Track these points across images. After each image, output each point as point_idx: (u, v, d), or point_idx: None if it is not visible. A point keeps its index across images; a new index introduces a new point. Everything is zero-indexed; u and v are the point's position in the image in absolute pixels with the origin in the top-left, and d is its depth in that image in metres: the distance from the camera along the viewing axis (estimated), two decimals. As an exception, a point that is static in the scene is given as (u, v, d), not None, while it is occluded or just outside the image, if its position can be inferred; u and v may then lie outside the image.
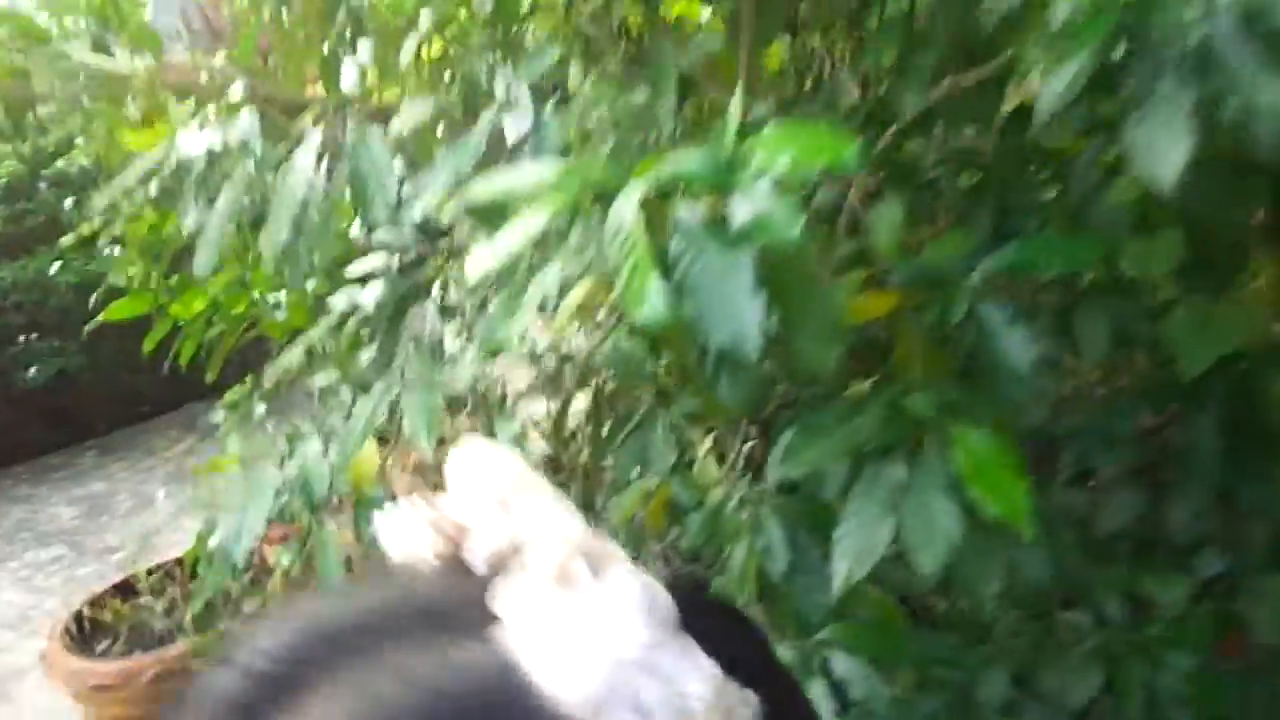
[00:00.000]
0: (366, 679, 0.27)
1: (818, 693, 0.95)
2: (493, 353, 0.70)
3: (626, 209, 0.56)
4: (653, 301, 0.53)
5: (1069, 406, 1.28)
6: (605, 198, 0.58)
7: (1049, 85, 0.76)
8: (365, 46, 0.91)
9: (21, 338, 4.05)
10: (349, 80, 0.87)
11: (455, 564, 0.31)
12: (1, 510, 3.97)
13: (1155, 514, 1.25)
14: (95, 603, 2.35)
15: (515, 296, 0.58)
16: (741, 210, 0.62)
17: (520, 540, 0.30)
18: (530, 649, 0.26)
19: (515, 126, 0.80)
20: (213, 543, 0.95)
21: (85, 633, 2.34)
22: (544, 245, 0.58)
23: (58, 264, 3.52)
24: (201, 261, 1.00)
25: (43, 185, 3.91)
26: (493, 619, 0.27)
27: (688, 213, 0.60)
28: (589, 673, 0.25)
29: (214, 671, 0.29)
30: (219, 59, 1.41)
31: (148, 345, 1.87)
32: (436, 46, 1.02)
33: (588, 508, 1.19)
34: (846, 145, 0.62)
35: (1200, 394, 1.17)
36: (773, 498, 0.93)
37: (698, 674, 0.26)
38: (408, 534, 0.32)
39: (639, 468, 1.21)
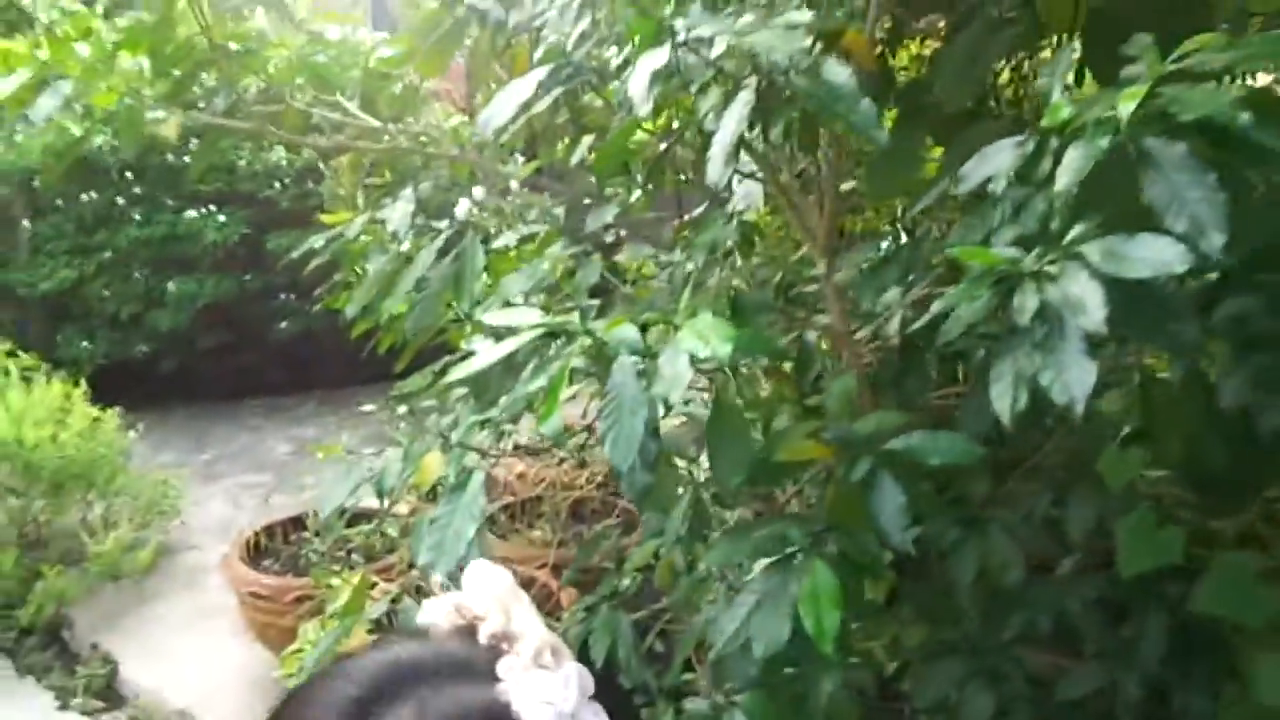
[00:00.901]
0: (422, 701, 0.47)
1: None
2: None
3: (565, 353, 0.86)
4: (552, 422, 0.82)
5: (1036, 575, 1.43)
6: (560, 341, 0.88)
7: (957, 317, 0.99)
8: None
9: (281, 295, 4.82)
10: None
11: (469, 634, 0.52)
12: (232, 434, 4.72)
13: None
14: (270, 528, 2.87)
15: (483, 400, 0.88)
16: (663, 371, 0.90)
17: (512, 631, 0.56)
18: (517, 698, 0.49)
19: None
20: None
21: (261, 549, 2.86)
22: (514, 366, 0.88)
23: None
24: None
25: (327, 173, 4.65)
26: (494, 674, 0.49)
27: (619, 369, 0.88)
28: (545, 716, 0.48)
29: (326, 686, 0.48)
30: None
31: (354, 332, 2.30)
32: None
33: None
34: (756, 340, 0.88)
35: (1148, 596, 1.31)
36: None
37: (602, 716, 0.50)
38: (442, 612, 0.55)
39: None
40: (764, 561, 1.00)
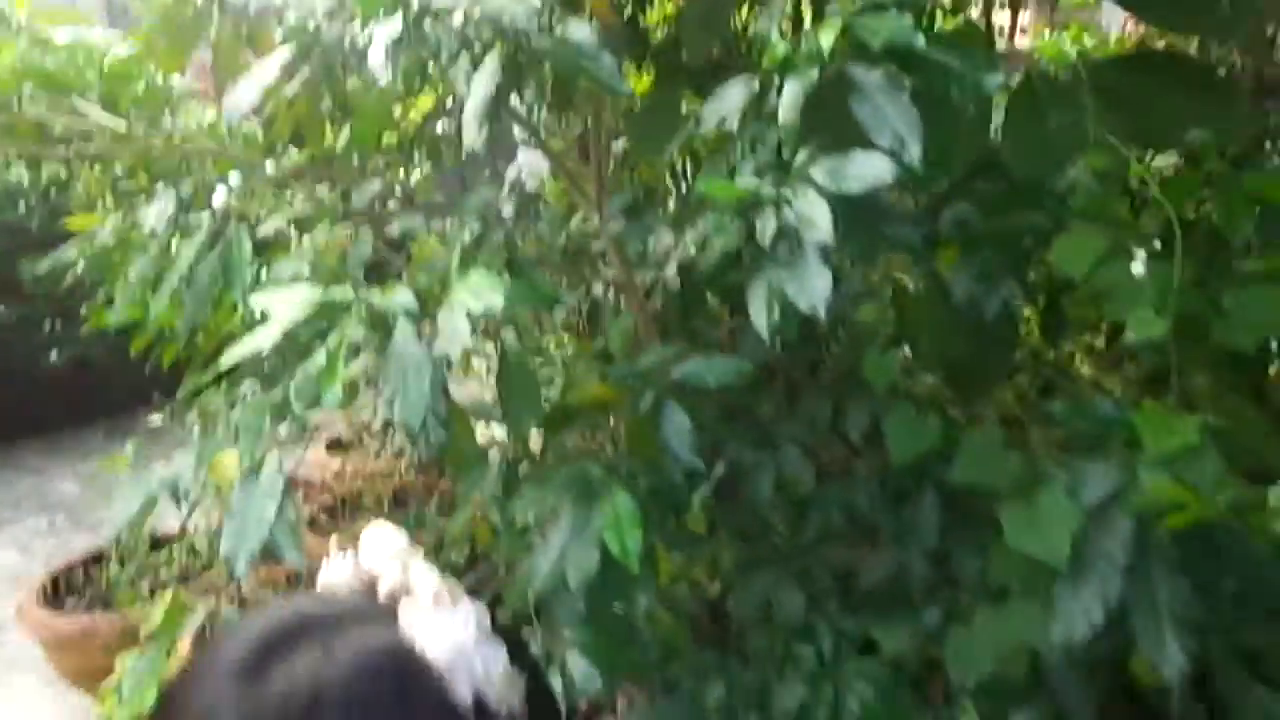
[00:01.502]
0: (327, 645, 0.48)
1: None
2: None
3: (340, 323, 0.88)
4: (334, 390, 0.84)
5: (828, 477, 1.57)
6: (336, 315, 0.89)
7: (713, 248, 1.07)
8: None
9: (45, 323, 4.45)
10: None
11: (369, 591, 0.55)
12: (12, 479, 4.35)
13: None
14: (69, 569, 2.69)
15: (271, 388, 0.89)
16: (442, 330, 0.93)
17: (409, 582, 0.57)
18: (420, 637, 0.51)
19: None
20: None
21: (60, 592, 2.68)
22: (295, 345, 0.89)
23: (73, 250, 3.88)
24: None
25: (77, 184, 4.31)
26: (396, 619, 0.51)
27: (399, 333, 0.91)
28: (448, 651, 0.50)
29: (221, 648, 0.48)
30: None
31: (134, 348, 2.19)
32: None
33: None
34: (528, 291, 0.93)
35: (922, 480, 1.46)
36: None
37: (498, 657, 0.53)
38: (341, 572, 0.57)
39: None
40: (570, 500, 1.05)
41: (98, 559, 2.74)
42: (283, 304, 0.87)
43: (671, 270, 1.51)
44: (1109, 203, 1.13)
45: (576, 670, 1.23)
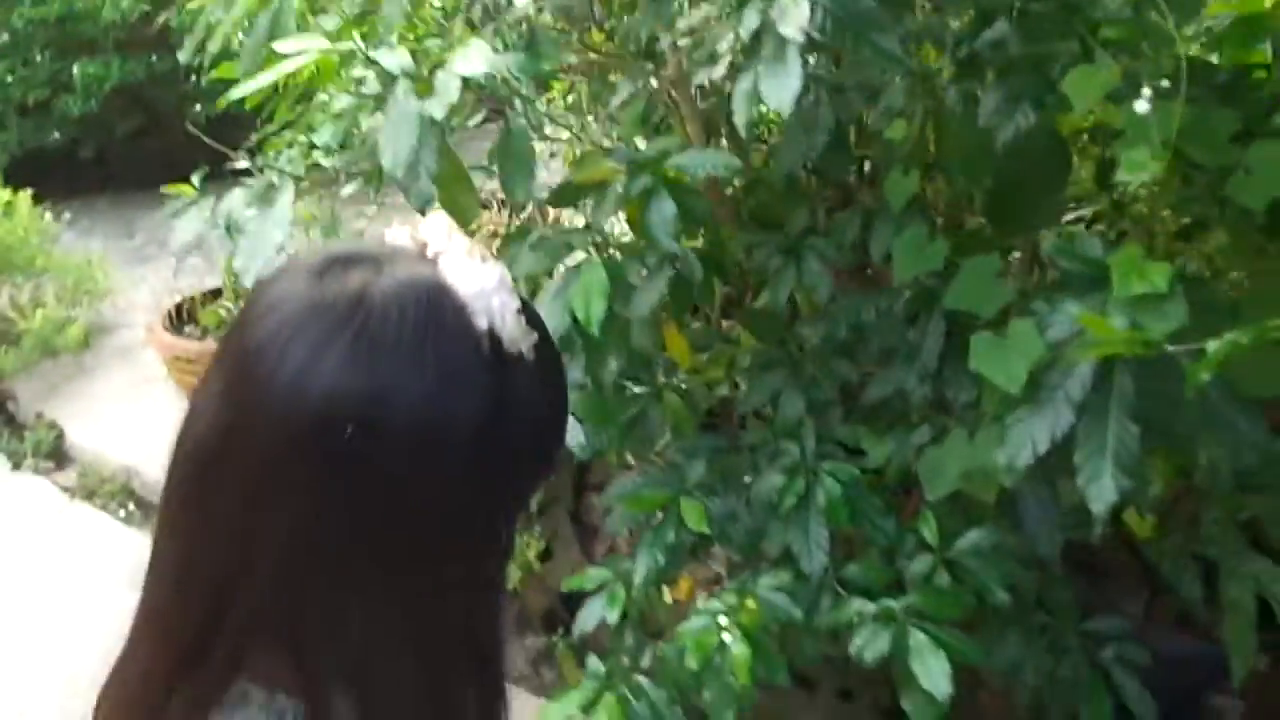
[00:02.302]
0: (378, 267, 0.56)
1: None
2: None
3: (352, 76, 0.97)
4: (329, 134, 0.94)
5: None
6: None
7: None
8: None
9: (191, 77, 4.71)
10: None
11: (419, 248, 0.61)
12: (159, 220, 4.76)
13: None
14: (192, 299, 3.01)
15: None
16: (437, 89, 1.01)
17: (452, 243, 0.69)
18: (455, 277, 0.59)
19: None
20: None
21: (184, 319, 3.01)
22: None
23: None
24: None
25: None
26: (437, 266, 0.58)
27: (398, 88, 0.99)
28: (473, 288, 0.58)
29: (287, 269, 0.57)
30: None
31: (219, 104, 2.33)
32: None
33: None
34: (532, 63, 0.99)
35: (930, 303, 1.49)
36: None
37: (513, 305, 0.60)
38: (398, 236, 0.64)
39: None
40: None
41: (216, 294, 3.04)
42: (296, 50, 0.96)
43: (718, 72, 1.52)
44: (1135, 34, 1.09)
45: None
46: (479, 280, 0.59)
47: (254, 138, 1.57)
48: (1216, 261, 1.33)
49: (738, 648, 1.27)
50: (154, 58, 4.65)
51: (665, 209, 1.13)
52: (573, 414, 1.40)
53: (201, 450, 0.55)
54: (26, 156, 4.61)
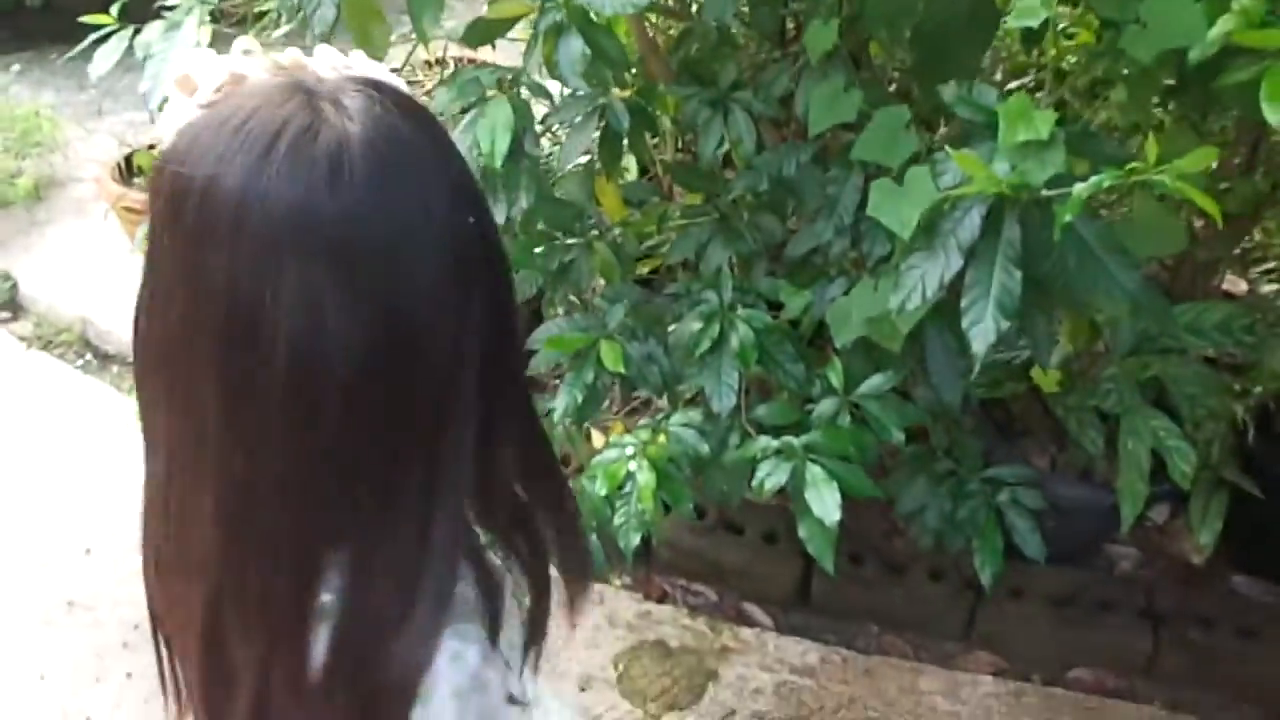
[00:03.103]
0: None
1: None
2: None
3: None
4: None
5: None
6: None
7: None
8: None
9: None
10: None
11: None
12: (114, 74, 4.64)
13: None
14: (142, 149, 2.98)
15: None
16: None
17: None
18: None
19: None
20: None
21: (134, 172, 2.99)
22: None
23: None
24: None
25: None
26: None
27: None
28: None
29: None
30: None
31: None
32: None
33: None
34: None
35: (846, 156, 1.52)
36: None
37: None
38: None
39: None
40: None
41: (165, 146, 3.00)
42: None
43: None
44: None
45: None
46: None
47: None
48: (1115, 119, 1.37)
49: (643, 476, 1.35)
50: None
51: (573, 46, 1.15)
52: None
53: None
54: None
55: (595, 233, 1.74)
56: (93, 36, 1.39)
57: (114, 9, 1.43)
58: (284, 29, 1.69)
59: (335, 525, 0.55)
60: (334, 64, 0.60)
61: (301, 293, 0.51)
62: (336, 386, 0.52)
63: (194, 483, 0.55)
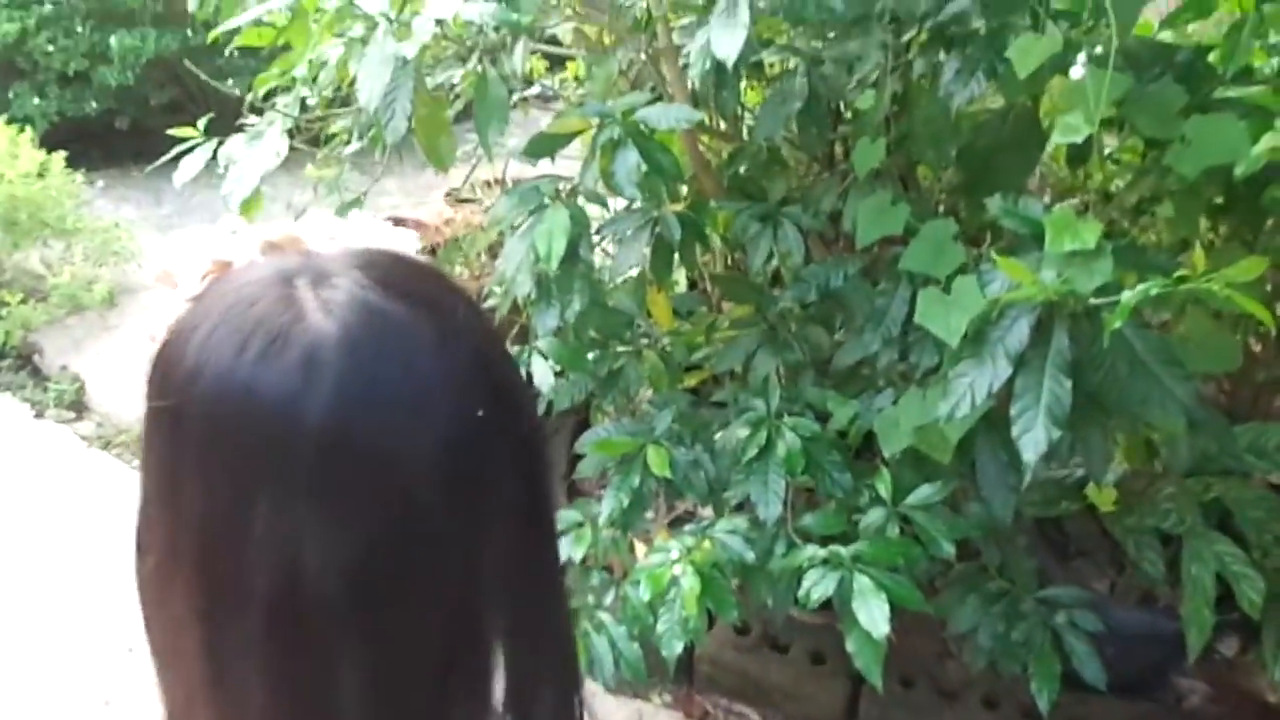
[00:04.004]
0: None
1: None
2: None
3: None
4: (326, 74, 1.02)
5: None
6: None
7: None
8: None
9: (226, 51, 4.85)
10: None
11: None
12: (189, 190, 4.89)
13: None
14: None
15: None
16: (415, 32, 1.09)
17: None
18: None
19: None
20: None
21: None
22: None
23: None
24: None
25: None
26: None
27: (377, 32, 1.07)
28: None
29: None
30: None
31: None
32: None
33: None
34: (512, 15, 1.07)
35: (895, 268, 1.55)
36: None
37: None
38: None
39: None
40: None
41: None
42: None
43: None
44: (1080, 5, 1.15)
45: (536, 370, 1.45)
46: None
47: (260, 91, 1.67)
48: (1164, 235, 1.39)
49: (688, 581, 1.34)
50: (189, 32, 4.78)
51: (629, 158, 1.20)
52: (543, 355, 1.48)
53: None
54: (66, 125, 4.76)
55: (645, 341, 1.78)
56: (178, 149, 1.48)
57: (200, 123, 1.53)
58: (354, 146, 1.78)
59: None
60: (330, 235, 0.58)
61: (276, 523, 0.45)
62: (319, 631, 0.46)
63: None
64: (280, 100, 1.40)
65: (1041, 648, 1.69)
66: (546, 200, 1.20)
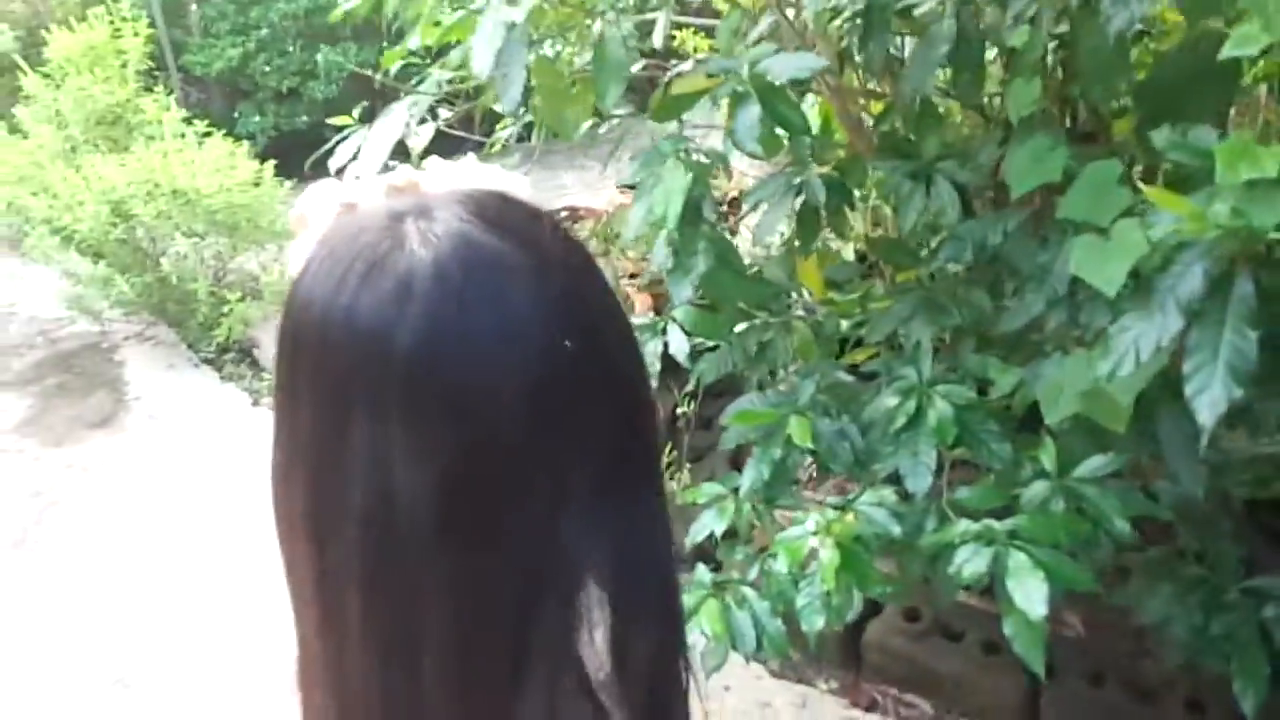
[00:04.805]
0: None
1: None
2: None
3: None
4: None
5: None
6: None
7: None
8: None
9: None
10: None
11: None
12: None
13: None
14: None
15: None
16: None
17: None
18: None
19: None
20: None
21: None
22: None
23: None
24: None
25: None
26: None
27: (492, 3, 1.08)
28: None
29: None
30: None
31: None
32: None
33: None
34: None
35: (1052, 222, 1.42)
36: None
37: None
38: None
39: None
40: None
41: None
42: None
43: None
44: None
45: (672, 340, 1.43)
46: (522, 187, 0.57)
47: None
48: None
49: (827, 554, 1.28)
50: (385, 44, 5.09)
51: (751, 113, 1.16)
52: (680, 325, 1.46)
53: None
54: (281, 139, 5.19)
55: (799, 313, 1.72)
56: (337, 138, 1.58)
57: (356, 111, 1.62)
58: (510, 130, 1.82)
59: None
60: (448, 178, 0.57)
61: (370, 444, 0.46)
62: (408, 554, 0.47)
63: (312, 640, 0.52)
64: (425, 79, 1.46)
65: (1247, 643, 1.50)
66: (668, 157, 1.18)
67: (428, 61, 2.02)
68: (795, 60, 1.16)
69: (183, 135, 3.81)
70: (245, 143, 3.98)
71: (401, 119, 1.27)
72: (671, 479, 2.33)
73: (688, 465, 2.42)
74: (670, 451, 2.42)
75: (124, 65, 4.11)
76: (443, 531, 0.47)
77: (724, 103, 1.25)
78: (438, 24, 1.59)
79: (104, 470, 3.17)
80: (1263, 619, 1.53)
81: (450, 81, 1.44)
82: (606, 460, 0.51)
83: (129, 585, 2.62)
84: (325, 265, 0.49)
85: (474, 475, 0.47)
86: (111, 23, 4.17)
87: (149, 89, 4.11)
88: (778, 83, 1.17)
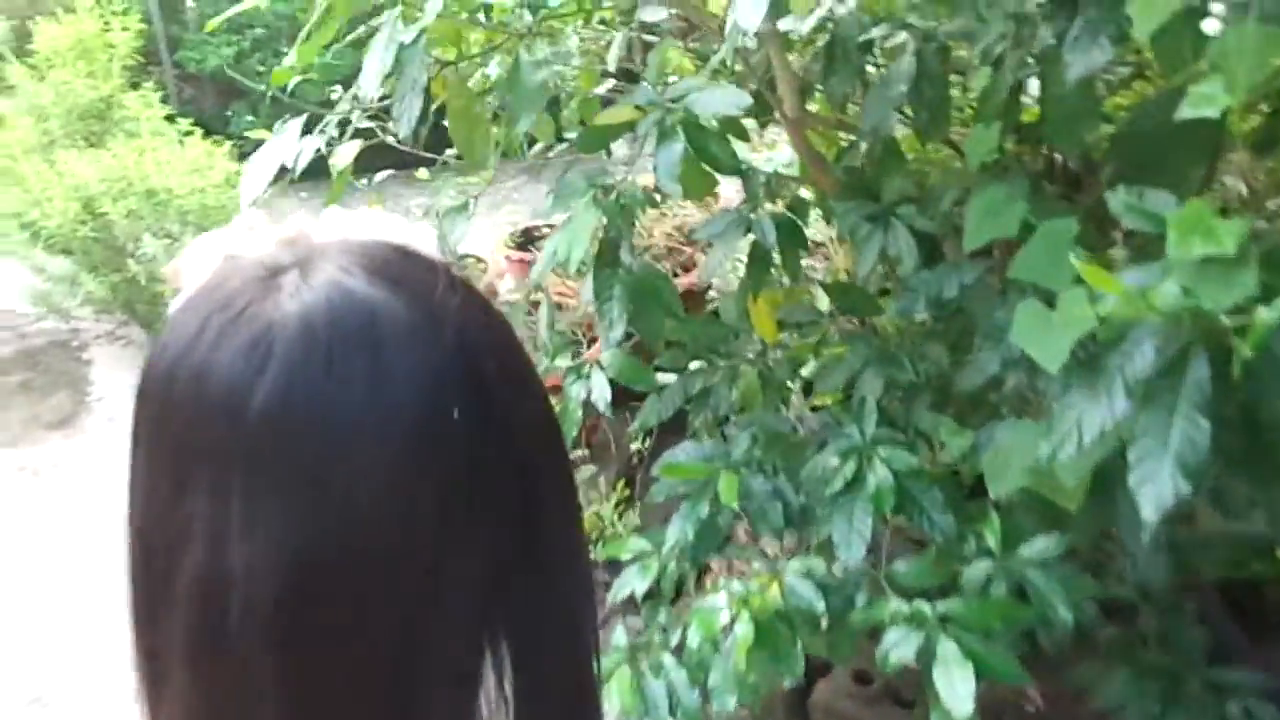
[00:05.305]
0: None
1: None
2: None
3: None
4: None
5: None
6: None
7: None
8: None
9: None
10: None
11: None
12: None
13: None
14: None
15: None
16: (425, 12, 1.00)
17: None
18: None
19: None
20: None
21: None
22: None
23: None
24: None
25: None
26: None
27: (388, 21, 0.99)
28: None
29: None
30: None
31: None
32: None
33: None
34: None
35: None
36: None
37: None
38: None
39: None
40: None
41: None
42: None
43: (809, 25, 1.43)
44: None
45: (594, 385, 1.33)
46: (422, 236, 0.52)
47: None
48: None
49: (742, 629, 1.18)
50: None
51: (674, 150, 1.06)
52: (605, 371, 1.36)
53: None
54: (274, 139, 5.12)
55: (749, 356, 1.63)
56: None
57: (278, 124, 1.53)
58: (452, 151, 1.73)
59: None
60: (344, 228, 0.51)
61: (208, 514, 0.41)
62: (239, 643, 0.42)
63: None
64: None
65: (1205, 742, 1.39)
66: (593, 191, 1.09)
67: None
68: (723, 96, 1.06)
69: (162, 133, 3.74)
70: (230, 143, 3.90)
71: (292, 142, 1.18)
72: (620, 519, 2.23)
73: (639, 503, 2.32)
74: (624, 489, 2.32)
75: (111, 60, 4.05)
76: (282, 624, 0.41)
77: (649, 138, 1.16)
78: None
79: (55, 474, 3.09)
80: (1226, 716, 1.42)
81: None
82: (504, 538, 0.46)
83: (56, 598, 2.52)
84: (184, 316, 0.45)
85: (326, 563, 0.41)
86: (102, 16, 4.10)
87: (136, 84, 4.05)
88: (704, 119, 1.07)
